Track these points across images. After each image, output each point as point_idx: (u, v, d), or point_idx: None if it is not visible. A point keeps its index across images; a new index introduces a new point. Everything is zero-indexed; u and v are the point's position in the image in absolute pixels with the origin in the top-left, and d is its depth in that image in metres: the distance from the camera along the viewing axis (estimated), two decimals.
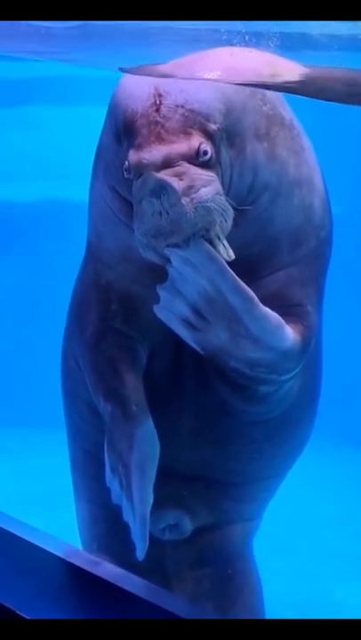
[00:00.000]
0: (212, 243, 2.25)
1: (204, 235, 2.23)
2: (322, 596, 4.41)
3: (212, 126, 2.30)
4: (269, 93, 2.46)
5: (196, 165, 2.25)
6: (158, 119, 2.26)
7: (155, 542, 2.60)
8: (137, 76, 2.40)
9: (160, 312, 2.40)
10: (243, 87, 2.40)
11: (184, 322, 2.37)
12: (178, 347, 2.54)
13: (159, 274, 2.36)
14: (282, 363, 2.47)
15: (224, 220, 2.24)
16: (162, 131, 2.25)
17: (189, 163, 2.24)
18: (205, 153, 2.27)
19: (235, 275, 2.29)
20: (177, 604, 2.21)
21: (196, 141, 2.26)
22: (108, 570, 2.25)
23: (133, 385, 2.56)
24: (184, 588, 2.90)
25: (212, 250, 2.25)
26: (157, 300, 2.39)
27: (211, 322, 2.35)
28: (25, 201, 6.40)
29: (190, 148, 2.25)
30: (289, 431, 2.81)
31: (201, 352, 2.42)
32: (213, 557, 2.93)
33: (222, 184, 2.30)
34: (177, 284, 2.33)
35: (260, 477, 2.90)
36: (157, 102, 2.27)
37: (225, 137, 2.33)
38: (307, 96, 2.45)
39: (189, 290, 2.32)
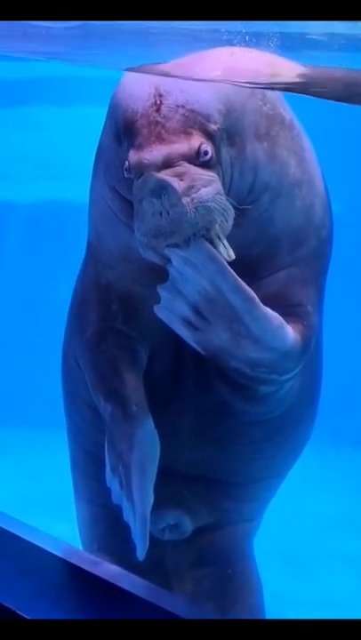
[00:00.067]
0: (212, 242, 2.25)
1: (205, 234, 2.23)
2: (322, 597, 4.41)
3: (213, 126, 2.30)
4: (269, 93, 2.46)
5: (196, 165, 2.25)
6: (159, 119, 2.26)
7: (155, 542, 2.60)
8: (137, 77, 2.40)
9: (161, 312, 2.40)
10: (243, 87, 2.40)
11: (185, 322, 2.37)
12: (178, 347, 2.54)
13: (159, 274, 2.36)
14: (282, 363, 2.47)
15: (225, 220, 2.25)
16: (162, 131, 2.25)
17: (190, 163, 2.24)
18: (206, 153, 2.27)
19: (235, 275, 2.29)
20: (177, 604, 2.21)
21: (197, 141, 2.26)
22: (108, 570, 2.25)
23: (134, 385, 2.56)
24: (184, 587, 2.90)
25: (213, 250, 2.25)
26: (158, 300, 2.39)
27: (211, 322, 2.35)
28: (25, 201, 6.40)
29: (191, 148, 2.25)
30: (289, 431, 2.81)
31: (201, 352, 2.42)
32: (213, 557, 2.93)
33: (223, 184, 2.30)
34: (177, 284, 2.33)
35: (260, 477, 2.90)
36: (158, 102, 2.27)
37: (225, 137, 2.33)
38: (307, 96, 2.46)
39: (190, 290, 2.32)
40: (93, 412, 2.70)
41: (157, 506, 2.52)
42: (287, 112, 2.52)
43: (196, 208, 2.19)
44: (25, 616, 2.02)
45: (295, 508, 4.63)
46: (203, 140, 2.27)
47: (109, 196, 2.51)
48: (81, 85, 6.24)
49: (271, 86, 2.45)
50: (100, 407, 2.60)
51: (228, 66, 2.38)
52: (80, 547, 3.01)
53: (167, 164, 2.23)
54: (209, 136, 2.29)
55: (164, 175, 2.20)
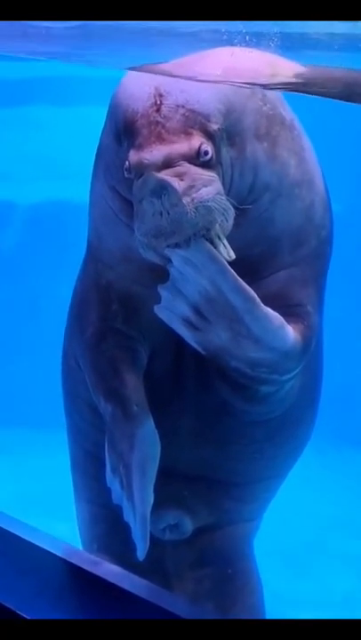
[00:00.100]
0: (212, 242, 2.25)
1: (205, 234, 2.23)
2: (322, 596, 4.41)
3: (213, 126, 2.30)
4: (269, 93, 2.46)
5: (196, 165, 2.25)
6: (159, 119, 2.26)
7: (155, 542, 2.60)
8: (137, 77, 2.40)
9: (161, 312, 2.40)
10: (243, 87, 2.40)
11: (185, 322, 2.37)
12: (179, 347, 2.54)
13: (160, 274, 2.36)
14: (283, 363, 2.47)
15: (225, 220, 2.25)
16: (162, 131, 2.25)
17: (190, 163, 2.24)
18: (206, 153, 2.27)
19: (236, 274, 2.29)
20: (177, 604, 2.20)
21: (197, 141, 2.26)
22: (108, 570, 2.25)
23: (134, 385, 2.56)
24: (184, 588, 2.90)
25: (213, 250, 2.25)
26: (158, 300, 2.39)
27: (212, 322, 2.35)
28: (25, 201, 6.40)
29: (191, 148, 2.25)
30: (290, 431, 2.81)
31: (202, 352, 2.42)
32: (214, 557, 2.93)
33: (223, 184, 2.30)
34: (178, 284, 2.33)
35: (260, 477, 2.90)
36: (158, 102, 2.27)
37: (225, 137, 2.33)
38: (307, 95, 2.46)
39: (190, 290, 2.32)
40: (93, 412, 2.70)
41: (158, 506, 2.52)
42: (287, 112, 2.52)
43: (196, 208, 2.19)
44: (25, 616, 2.02)
45: (295, 508, 4.63)
46: (203, 140, 2.27)
47: (110, 196, 2.51)
48: (81, 85, 6.24)
49: (271, 86, 2.45)
50: (101, 407, 2.60)
51: (228, 66, 2.38)
52: (80, 547, 3.01)
53: (167, 163, 2.22)
54: (209, 136, 2.29)
55: (165, 175, 2.19)
